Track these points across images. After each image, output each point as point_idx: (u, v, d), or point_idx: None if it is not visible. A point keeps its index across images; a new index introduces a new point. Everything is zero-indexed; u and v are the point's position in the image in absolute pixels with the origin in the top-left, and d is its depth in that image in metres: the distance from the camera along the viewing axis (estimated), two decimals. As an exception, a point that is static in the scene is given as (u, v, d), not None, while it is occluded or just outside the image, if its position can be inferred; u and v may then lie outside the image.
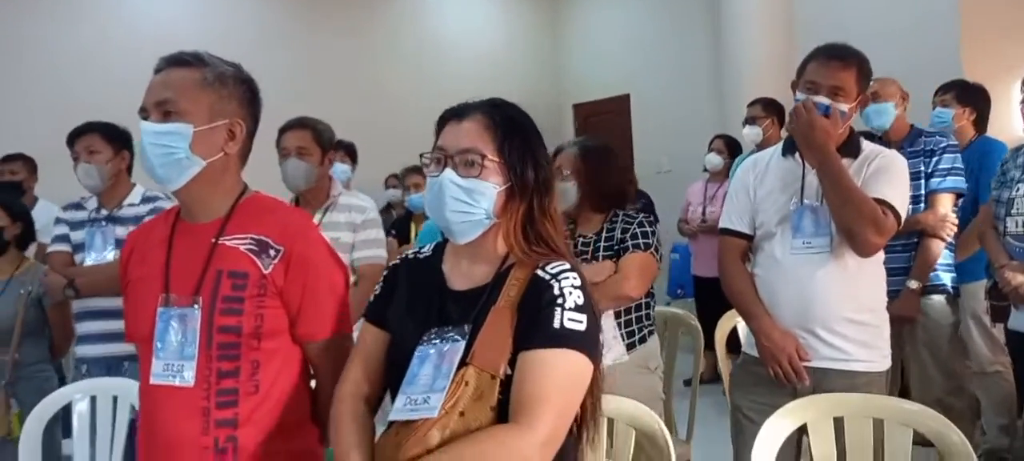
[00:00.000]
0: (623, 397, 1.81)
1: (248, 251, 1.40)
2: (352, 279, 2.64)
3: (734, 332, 2.70)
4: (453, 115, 1.34)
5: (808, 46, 2.16)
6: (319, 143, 2.66)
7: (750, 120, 4.30)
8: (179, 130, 1.37)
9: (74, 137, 2.68)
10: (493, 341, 1.22)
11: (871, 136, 2.93)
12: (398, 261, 1.46)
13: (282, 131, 2.70)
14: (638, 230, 2.38)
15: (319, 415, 1.51)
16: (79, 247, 2.70)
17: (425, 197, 1.37)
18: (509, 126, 1.31)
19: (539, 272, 1.28)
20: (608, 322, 2.36)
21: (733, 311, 2.65)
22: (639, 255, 2.35)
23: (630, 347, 2.40)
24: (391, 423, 1.25)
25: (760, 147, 3.96)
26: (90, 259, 2.65)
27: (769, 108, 4.26)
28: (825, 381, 2.02)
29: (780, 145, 2.23)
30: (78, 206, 2.77)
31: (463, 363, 1.21)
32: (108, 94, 3.71)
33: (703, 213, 4.75)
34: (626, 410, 1.78)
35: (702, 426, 2.89)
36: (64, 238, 2.73)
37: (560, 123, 7.71)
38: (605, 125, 7.40)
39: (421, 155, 1.36)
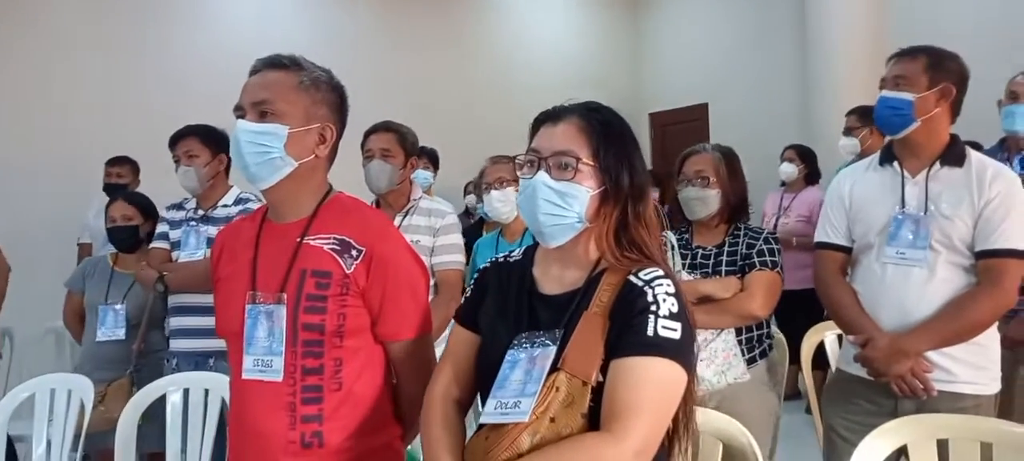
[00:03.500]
0: (740, 416, 1.70)
1: (331, 251, 1.42)
2: (432, 282, 2.68)
3: (820, 347, 2.58)
4: (548, 117, 1.33)
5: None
6: (403, 147, 2.70)
7: (847, 131, 4.12)
8: (275, 131, 1.40)
9: (174, 141, 2.79)
10: (585, 347, 1.20)
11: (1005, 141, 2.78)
12: (488, 265, 1.45)
13: (367, 134, 2.75)
14: (764, 247, 2.30)
15: (401, 414, 1.52)
16: (176, 245, 2.83)
17: (518, 199, 1.36)
18: (605, 130, 1.30)
19: (632, 278, 1.25)
20: (728, 340, 2.28)
21: (819, 325, 2.56)
22: (767, 273, 2.27)
23: (750, 362, 2.31)
24: (481, 425, 1.24)
25: (860, 158, 3.81)
26: (182, 257, 2.78)
27: (866, 118, 4.06)
28: (928, 403, 1.91)
29: (877, 155, 2.13)
30: (179, 206, 2.91)
31: (554, 368, 1.20)
32: (219, 98, 3.90)
33: (775, 224, 4.61)
34: (713, 423, 1.71)
35: (785, 443, 2.78)
36: (164, 235, 2.88)
37: (636, 132, 7.58)
38: (682, 135, 7.26)
39: (515, 158, 1.35)
